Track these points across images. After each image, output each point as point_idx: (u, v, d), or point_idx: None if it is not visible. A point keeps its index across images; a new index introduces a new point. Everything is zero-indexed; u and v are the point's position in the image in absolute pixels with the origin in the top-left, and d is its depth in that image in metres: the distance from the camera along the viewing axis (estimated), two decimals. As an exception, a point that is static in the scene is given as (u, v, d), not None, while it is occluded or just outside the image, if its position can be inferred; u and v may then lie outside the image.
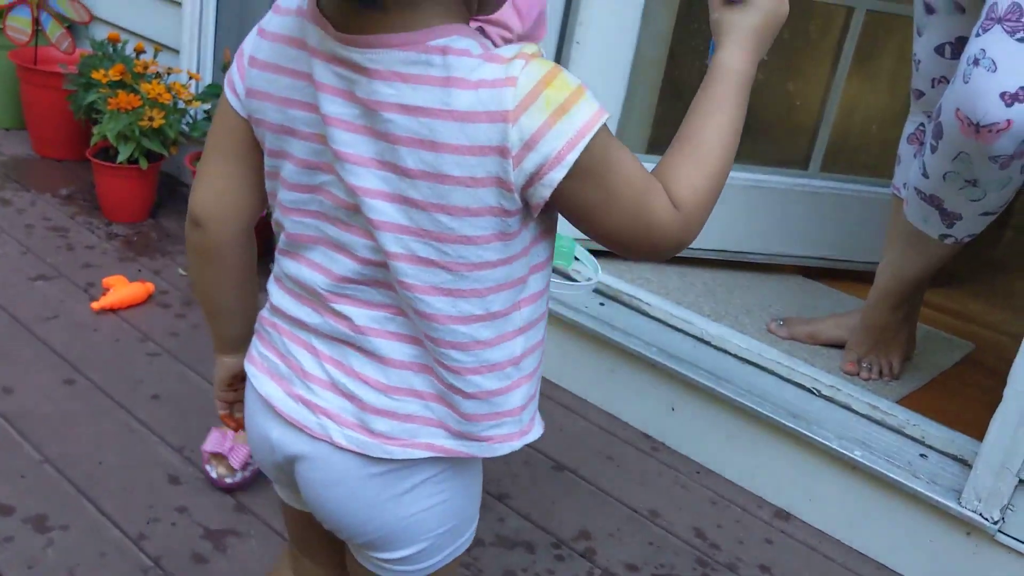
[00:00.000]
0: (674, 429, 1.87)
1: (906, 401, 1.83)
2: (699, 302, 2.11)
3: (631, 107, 2.12)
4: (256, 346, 0.89)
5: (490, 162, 0.70)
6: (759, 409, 1.73)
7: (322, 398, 0.82)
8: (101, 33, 2.71)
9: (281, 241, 0.84)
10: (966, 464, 1.61)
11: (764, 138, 2.34)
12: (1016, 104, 1.41)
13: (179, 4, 2.55)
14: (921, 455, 1.66)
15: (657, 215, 0.77)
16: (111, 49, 2.55)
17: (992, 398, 1.52)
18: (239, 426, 0.99)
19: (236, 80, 0.82)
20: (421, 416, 0.81)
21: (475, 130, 0.70)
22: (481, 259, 0.75)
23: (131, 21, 2.72)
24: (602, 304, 2.02)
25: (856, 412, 1.74)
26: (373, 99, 0.71)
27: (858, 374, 1.91)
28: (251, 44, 0.81)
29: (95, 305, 2.01)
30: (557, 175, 0.71)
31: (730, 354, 1.88)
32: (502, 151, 0.70)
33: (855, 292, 2.27)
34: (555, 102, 0.70)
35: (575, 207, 0.75)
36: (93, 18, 2.77)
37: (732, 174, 2.38)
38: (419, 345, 0.79)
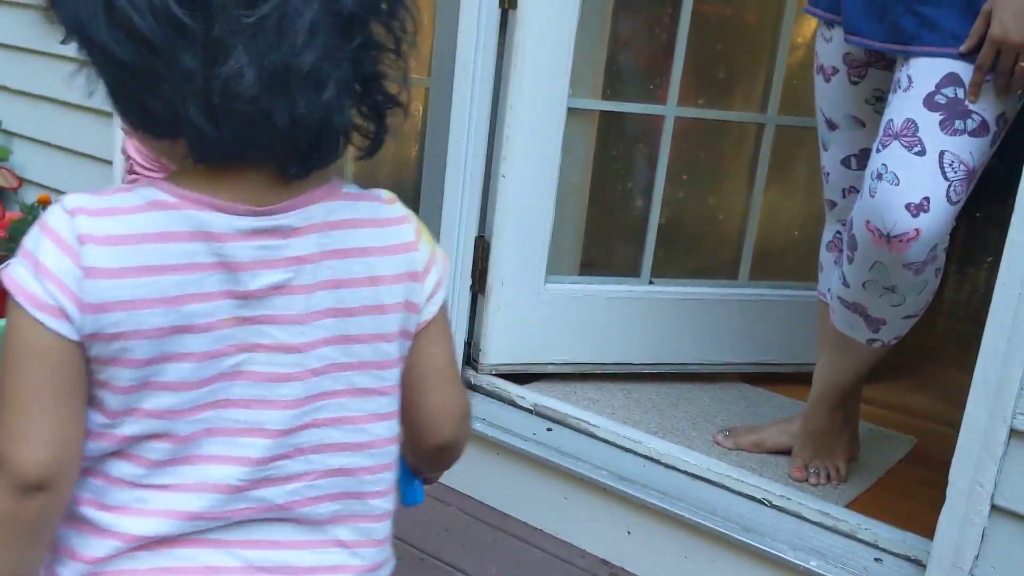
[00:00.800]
0: (632, 553, 1.86)
1: (856, 504, 1.85)
2: (646, 419, 2.12)
3: (560, 232, 2.17)
4: None
5: (407, 287, 0.80)
6: (711, 525, 1.74)
7: None
8: (32, 196, 2.72)
9: (158, 452, 0.75)
10: (920, 564, 1.62)
11: (692, 252, 2.41)
12: (922, 214, 1.47)
13: (109, 162, 2.58)
14: (876, 559, 1.66)
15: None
16: (42, 211, 2.56)
17: (938, 493, 1.54)
18: None
19: (61, 299, 0.70)
20: (349, 565, 0.83)
21: (398, 260, 0.80)
22: (398, 380, 0.83)
23: (62, 182, 2.74)
24: (549, 429, 2.02)
25: (808, 520, 1.75)
26: (313, 253, 0.76)
27: (806, 480, 1.92)
28: (71, 255, 0.70)
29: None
30: (443, 294, 0.84)
31: (680, 471, 1.89)
32: (414, 276, 0.81)
33: (796, 394, 2.30)
34: (429, 236, 0.84)
35: (427, 338, 0.84)
36: (23, 182, 2.78)
37: (666, 288, 2.43)
38: (339, 500, 0.81)
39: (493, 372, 2.17)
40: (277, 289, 0.75)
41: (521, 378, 2.18)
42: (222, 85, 0.67)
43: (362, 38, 0.72)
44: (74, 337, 0.71)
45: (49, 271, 0.70)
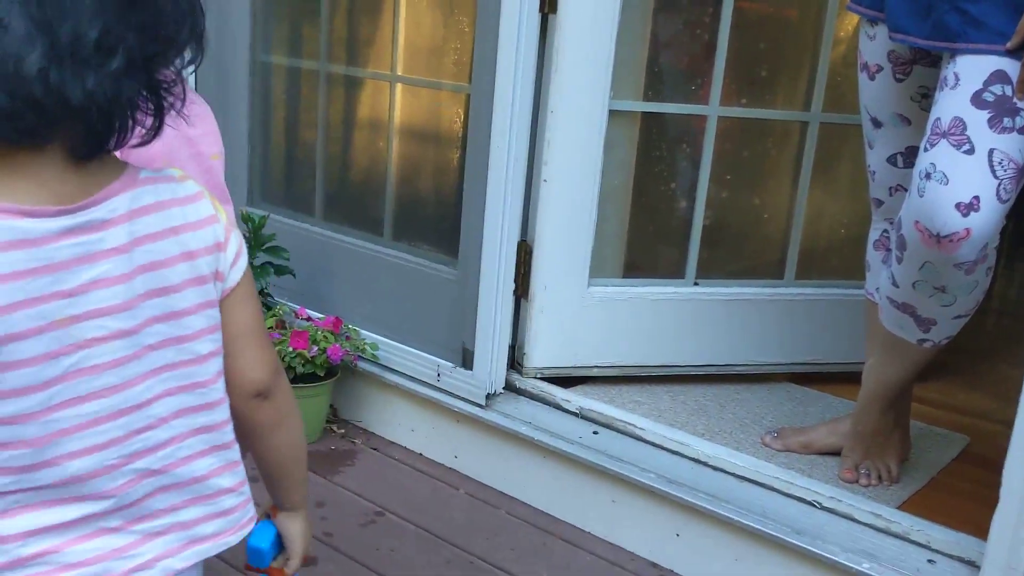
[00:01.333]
0: (681, 555, 1.86)
1: (908, 505, 1.83)
2: (692, 421, 2.12)
3: (603, 234, 2.17)
4: None
5: (215, 257, 0.86)
6: (762, 528, 1.73)
7: (147, 552, 0.86)
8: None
9: (18, 459, 0.77)
10: (974, 566, 1.60)
11: (738, 252, 2.40)
12: (972, 213, 1.46)
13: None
14: (929, 561, 1.65)
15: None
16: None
17: (992, 493, 1.52)
18: None
19: None
20: (237, 505, 0.92)
21: (206, 233, 0.84)
22: (220, 344, 0.88)
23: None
24: (596, 432, 2.02)
25: (860, 522, 1.73)
26: (126, 242, 0.79)
27: (857, 481, 1.91)
28: None
29: None
30: (244, 260, 0.89)
31: (728, 473, 1.88)
32: (219, 246, 0.86)
33: (844, 394, 2.28)
34: (220, 207, 0.88)
35: (236, 301, 0.90)
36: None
37: (711, 289, 2.42)
38: (212, 454, 0.89)
39: (538, 376, 2.18)
40: (97, 282, 0.77)
41: (566, 381, 2.19)
42: (14, 55, 0.68)
43: (145, 14, 0.74)
44: None
45: None
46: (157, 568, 0.86)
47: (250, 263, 2.30)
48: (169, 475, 0.85)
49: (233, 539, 0.92)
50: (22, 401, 0.76)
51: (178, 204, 0.83)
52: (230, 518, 0.92)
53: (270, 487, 1.02)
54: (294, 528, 1.04)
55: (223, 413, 0.90)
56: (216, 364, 0.87)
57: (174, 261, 0.82)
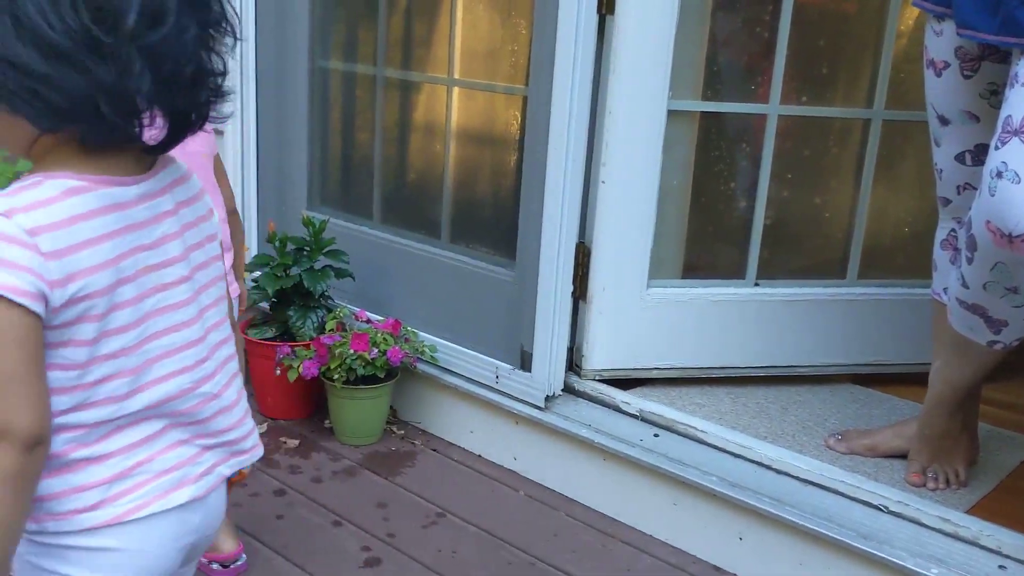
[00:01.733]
0: (744, 559, 1.84)
1: (977, 509, 1.80)
2: (754, 423, 2.10)
3: (662, 235, 2.16)
4: (130, 497, 0.95)
5: (211, 222, 1.04)
6: (827, 532, 1.71)
7: (207, 460, 1.02)
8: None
9: (120, 387, 0.93)
10: (1049, 573, 1.57)
11: (799, 252, 2.37)
12: (1045, 212, 1.42)
13: (218, 178, 2.66)
14: (1000, 567, 1.62)
15: None
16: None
17: (1065, 498, 1.49)
18: None
19: (38, 284, 0.85)
20: (255, 426, 1.09)
21: (205, 201, 1.03)
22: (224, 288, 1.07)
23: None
24: (656, 435, 2.02)
25: (927, 527, 1.71)
26: (173, 206, 0.97)
27: (924, 485, 1.87)
28: (30, 248, 0.85)
29: None
30: (223, 225, 1.10)
31: (792, 476, 1.86)
32: (211, 212, 1.04)
33: (908, 395, 2.25)
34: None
35: None
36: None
37: (772, 289, 2.39)
38: (237, 378, 1.06)
39: (596, 378, 2.18)
40: (164, 238, 0.96)
41: (624, 383, 2.18)
42: (134, 88, 0.84)
43: (216, 47, 0.90)
44: (43, 314, 0.87)
45: (18, 264, 0.85)
46: (214, 473, 1.03)
47: (311, 266, 2.32)
48: (222, 398, 1.02)
49: (259, 452, 1.10)
50: (125, 336, 0.93)
51: (188, 178, 1.02)
52: (255, 436, 1.09)
53: None
54: None
55: (233, 346, 1.08)
56: (226, 304, 1.06)
57: (199, 221, 1.01)
